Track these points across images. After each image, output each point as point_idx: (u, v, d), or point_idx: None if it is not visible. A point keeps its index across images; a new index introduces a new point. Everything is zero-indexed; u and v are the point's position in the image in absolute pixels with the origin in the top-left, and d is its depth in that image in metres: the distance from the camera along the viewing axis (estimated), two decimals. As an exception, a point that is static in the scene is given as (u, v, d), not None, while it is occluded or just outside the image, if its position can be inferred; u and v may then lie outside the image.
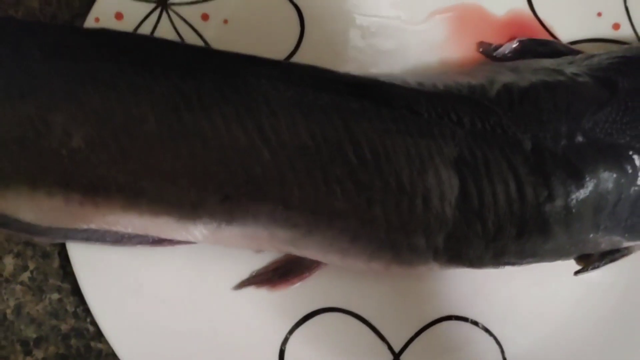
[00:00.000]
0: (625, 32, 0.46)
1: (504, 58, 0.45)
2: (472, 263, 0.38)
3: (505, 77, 0.39)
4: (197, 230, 0.36)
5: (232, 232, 0.36)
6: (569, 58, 0.42)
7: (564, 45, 0.45)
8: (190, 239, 0.37)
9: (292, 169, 0.35)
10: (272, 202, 0.35)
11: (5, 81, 0.35)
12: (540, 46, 0.45)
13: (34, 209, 0.36)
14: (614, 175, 0.36)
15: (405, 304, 0.44)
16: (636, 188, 0.37)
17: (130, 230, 0.37)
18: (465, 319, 0.44)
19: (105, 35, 0.37)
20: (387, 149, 0.35)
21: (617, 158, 0.36)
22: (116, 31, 0.37)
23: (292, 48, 0.45)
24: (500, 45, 0.45)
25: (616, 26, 0.46)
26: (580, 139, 0.36)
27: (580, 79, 0.39)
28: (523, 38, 0.45)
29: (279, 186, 0.35)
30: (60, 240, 0.40)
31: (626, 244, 0.39)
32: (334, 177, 0.35)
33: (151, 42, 0.38)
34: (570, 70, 0.40)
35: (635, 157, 0.37)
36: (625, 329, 0.44)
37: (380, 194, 0.35)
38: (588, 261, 0.40)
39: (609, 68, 0.40)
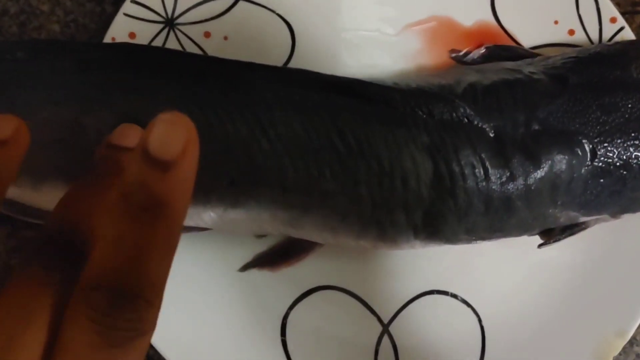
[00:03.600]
0: (579, 37, 0.49)
1: (473, 62, 0.48)
2: (449, 239, 0.41)
3: (471, 77, 0.42)
4: (207, 215, 0.39)
5: (237, 215, 0.39)
6: (529, 60, 0.45)
7: (525, 50, 0.49)
8: (201, 224, 0.40)
9: (287, 156, 0.38)
10: (272, 185, 0.38)
11: (44, 92, 0.37)
12: (504, 51, 0.48)
13: None
14: (567, 157, 0.39)
15: (392, 280, 0.46)
16: (587, 168, 0.40)
17: None
18: (445, 293, 0.46)
19: (126, 48, 0.40)
20: (369, 137, 0.38)
21: (568, 142, 0.40)
22: (136, 44, 0.40)
23: (284, 60, 0.48)
24: (470, 52, 0.48)
25: (571, 32, 0.49)
26: (536, 127, 0.40)
27: (536, 77, 0.42)
28: (489, 44, 0.48)
29: (277, 171, 0.38)
30: None
31: (582, 218, 0.42)
32: (324, 162, 0.38)
33: (166, 53, 0.41)
34: (528, 69, 0.43)
35: (585, 141, 0.40)
36: (581, 297, 0.46)
37: (364, 176, 0.38)
38: (550, 235, 0.43)
39: (561, 67, 0.43)
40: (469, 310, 0.46)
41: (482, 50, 0.48)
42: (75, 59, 0.38)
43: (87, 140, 0.37)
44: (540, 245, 0.43)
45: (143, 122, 0.37)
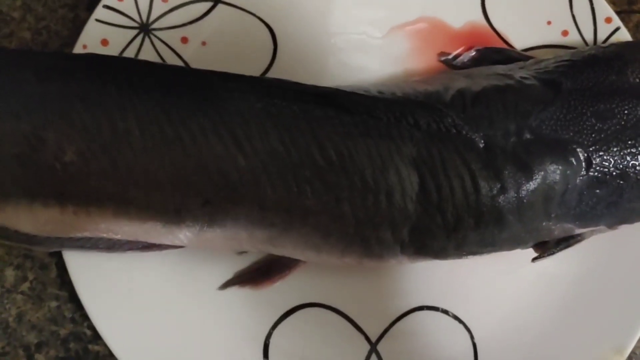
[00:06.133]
0: (573, 38, 0.48)
1: (463, 66, 0.47)
2: (437, 254, 0.40)
3: (459, 83, 0.41)
4: (182, 234, 0.38)
5: (214, 234, 0.38)
6: (521, 63, 0.44)
7: (517, 52, 0.47)
8: (177, 242, 0.39)
9: (265, 172, 0.36)
10: (249, 204, 0.37)
11: (3, 104, 0.36)
12: (495, 54, 0.47)
13: (32, 220, 0.37)
14: (560, 168, 0.38)
15: (379, 297, 0.44)
16: (582, 178, 0.38)
17: (121, 236, 0.38)
18: (436, 309, 0.44)
19: (92, 59, 0.38)
20: (351, 150, 0.37)
21: (562, 152, 0.38)
22: (102, 55, 0.39)
23: (266, 65, 0.46)
24: (460, 55, 0.47)
25: (565, 33, 0.48)
26: (528, 135, 0.38)
27: (528, 82, 0.40)
28: (480, 47, 0.47)
29: (254, 189, 0.36)
30: (57, 249, 0.41)
31: (578, 230, 0.41)
32: (303, 178, 0.36)
33: (134, 64, 0.40)
34: (519, 74, 0.41)
35: (579, 150, 0.38)
36: (577, 312, 0.45)
37: (347, 192, 0.37)
38: (544, 248, 0.41)
39: (554, 71, 0.41)
40: (460, 326, 0.45)
41: (473, 53, 0.47)
42: (36, 70, 0.37)
43: (47, 155, 0.36)
44: (534, 259, 0.42)
45: (108, 138, 0.36)
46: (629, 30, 0.49)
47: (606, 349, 0.44)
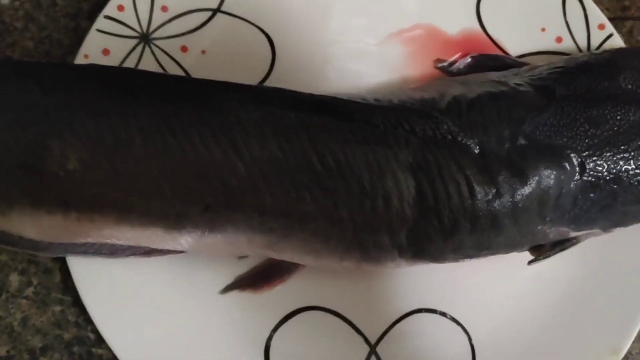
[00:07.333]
0: (567, 44, 0.49)
1: (459, 73, 0.47)
2: (435, 258, 0.40)
3: (455, 90, 0.41)
4: (183, 239, 0.38)
5: (214, 239, 0.38)
6: (515, 70, 0.44)
7: (512, 59, 0.48)
8: (178, 248, 0.39)
9: (264, 179, 0.37)
10: (249, 210, 0.37)
11: (8, 114, 0.37)
12: (491, 60, 0.47)
13: (36, 227, 0.37)
14: (554, 173, 0.38)
15: (378, 300, 0.45)
16: (576, 183, 0.39)
17: (123, 242, 0.39)
18: (434, 311, 0.45)
19: (94, 70, 0.39)
20: (348, 157, 0.37)
21: (556, 157, 0.39)
22: (104, 66, 0.39)
23: (264, 73, 0.47)
24: (455, 61, 0.47)
25: (559, 39, 0.49)
26: (522, 141, 0.39)
27: (522, 88, 0.41)
28: (475, 54, 0.47)
29: (254, 195, 0.37)
30: (60, 255, 0.42)
31: (573, 233, 0.41)
32: (302, 184, 0.37)
33: (135, 74, 0.40)
34: (513, 81, 0.42)
35: (573, 155, 0.39)
36: (574, 313, 0.45)
37: (345, 197, 0.37)
38: (540, 251, 0.42)
39: (548, 77, 0.42)
40: (458, 328, 0.45)
41: (468, 59, 0.48)
42: (40, 81, 0.38)
43: (51, 163, 0.36)
44: (530, 262, 0.43)
45: (110, 146, 0.37)
46: (623, 36, 0.50)
47: (602, 349, 0.44)
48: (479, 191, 0.38)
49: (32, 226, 0.38)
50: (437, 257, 0.40)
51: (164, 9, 0.47)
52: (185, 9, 0.47)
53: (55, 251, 0.40)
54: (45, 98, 0.37)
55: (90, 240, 0.39)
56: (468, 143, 0.39)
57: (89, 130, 0.37)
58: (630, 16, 0.53)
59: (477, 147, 0.39)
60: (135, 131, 0.37)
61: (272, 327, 0.44)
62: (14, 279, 0.45)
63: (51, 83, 0.38)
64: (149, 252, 0.41)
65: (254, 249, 0.40)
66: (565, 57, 0.47)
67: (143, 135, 0.37)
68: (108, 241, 0.39)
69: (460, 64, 0.48)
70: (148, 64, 0.46)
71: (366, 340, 0.44)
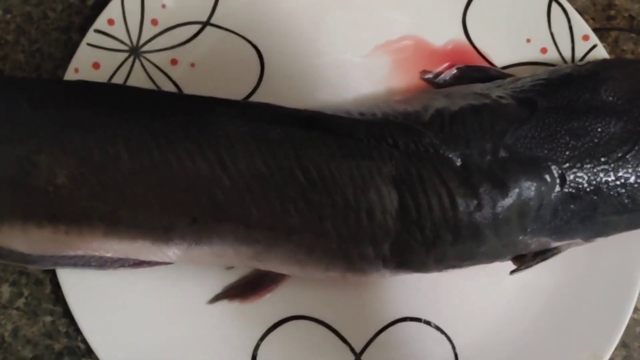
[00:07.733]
0: (552, 55, 0.49)
1: (445, 84, 0.47)
2: (418, 268, 0.41)
3: (438, 102, 0.42)
4: (171, 251, 0.39)
5: (201, 251, 0.39)
6: (499, 82, 0.45)
7: (497, 70, 0.48)
8: (166, 259, 0.40)
9: (249, 192, 0.37)
10: (235, 222, 0.38)
11: None
12: (476, 72, 0.48)
13: (26, 240, 0.38)
14: (535, 184, 0.39)
15: (363, 309, 0.45)
16: (556, 194, 0.39)
17: (112, 254, 0.39)
18: (418, 320, 0.45)
19: (83, 86, 0.39)
20: (333, 171, 0.38)
21: (537, 169, 0.39)
22: (93, 82, 0.40)
23: (253, 86, 0.47)
24: (441, 73, 0.48)
25: (544, 50, 0.49)
26: (503, 154, 0.39)
27: (504, 101, 0.41)
28: (461, 65, 0.48)
29: (239, 208, 0.37)
30: (50, 267, 0.42)
31: (554, 244, 0.42)
32: (287, 197, 0.38)
33: (123, 90, 0.41)
34: (496, 93, 0.42)
35: (553, 167, 0.39)
36: (556, 321, 0.46)
37: (329, 210, 0.38)
38: (522, 261, 0.42)
39: (530, 90, 0.42)
40: (442, 337, 0.46)
41: (454, 71, 0.48)
42: (30, 97, 0.38)
43: (40, 178, 0.37)
44: (512, 272, 0.43)
45: (98, 161, 0.37)
46: (608, 45, 0.50)
47: (585, 356, 0.45)
48: (461, 203, 0.39)
49: (21, 240, 0.38)
50: (421, 267, 0.41)
51: (154, 22, 0.47)
52: (175, 22, 0.47)
53: (45, 264, 0.41)
54: (34, 114, 0.38)
55: (79, 252, 0.39)
56: (450, 156, 0.39)
57: (76, 146, 0.37)
58: (615, 26, 0.53)
59: (459, 160, 0.39)
60: (122, 146, 0.37)
61: (259, 336, 0.45)
62: (5, 290, 0.45)
63: (40, 99, 0.38)
64: (137, 263, 0.41)
65: (240, 260, 0.40)
66: (548, 68, 0.47)
67: (130, 150, 0.37)
68: (97, 254, 0.39)
69: (446, 76, 0.48)
70: (138, 77, 0.46)
71: (351, 349, 0.45)
